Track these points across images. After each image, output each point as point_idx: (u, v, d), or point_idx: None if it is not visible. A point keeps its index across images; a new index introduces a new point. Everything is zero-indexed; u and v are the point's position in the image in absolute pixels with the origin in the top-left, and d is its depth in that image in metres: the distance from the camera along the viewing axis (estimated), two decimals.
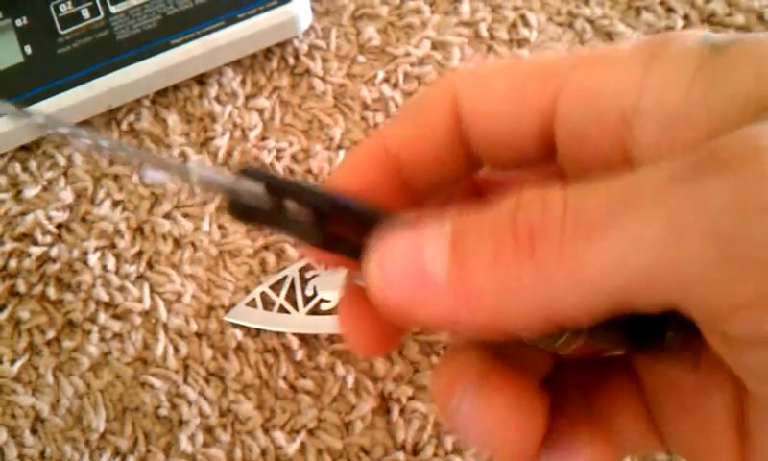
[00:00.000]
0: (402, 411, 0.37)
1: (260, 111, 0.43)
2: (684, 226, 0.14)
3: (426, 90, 0.21)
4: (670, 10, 0.43)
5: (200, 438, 0.37)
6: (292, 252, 0.39)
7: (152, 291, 0.40)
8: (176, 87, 0.43)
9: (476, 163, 0.21)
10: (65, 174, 0.43)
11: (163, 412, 0.37)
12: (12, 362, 0.39)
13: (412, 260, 0.16)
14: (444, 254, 0.16)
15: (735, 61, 0.16)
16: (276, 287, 0.39)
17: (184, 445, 0.37)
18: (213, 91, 0.43)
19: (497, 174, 0.23)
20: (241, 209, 0.19)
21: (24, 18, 0.43)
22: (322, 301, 0.38)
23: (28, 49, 0.43)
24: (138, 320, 0.39)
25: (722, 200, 0.14)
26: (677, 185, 0.14)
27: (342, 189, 0.20)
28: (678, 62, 0.17)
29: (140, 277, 0.40)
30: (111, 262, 0.40)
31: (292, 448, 0.36)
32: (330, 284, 0.38)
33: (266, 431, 0.37)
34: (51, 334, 0.39)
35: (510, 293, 0.15)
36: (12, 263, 0.41)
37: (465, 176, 0.22)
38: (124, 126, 0.43)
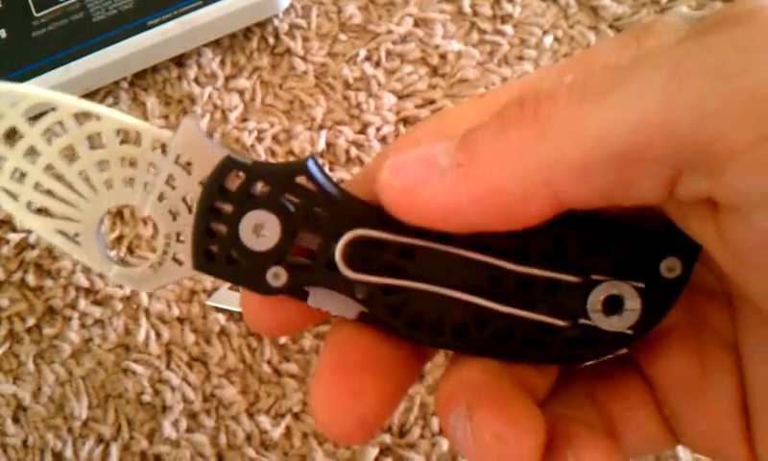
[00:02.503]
0: None
1: (240, 92, 0.42)
2: (686, 69, 0.14)
3: (385, 150, 0.21)
4: None
5: (183, 424, 0.36)
6: None
7: None
8: (154, 69, 0.43)
9: None
10: None
11: (146, 398, 0.37)
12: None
13: (422, 152, 0.17)
14: (453, 145, 0.17)
15: (723, 16, 0.16)
16: None
17: (168, 431, 0.36)
18: (192, 73, 0.42)
19: None
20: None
21: None
22: None
23: (2, 33, 0.42)
24: (119, 305, 0.39)
25: (727, 43, 0.14)
26: (685, 40, 0.14)
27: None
28: (667, 33, 0.17)
29: (121, 261, 0.39)
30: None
31: (277, 433, 0.36)
32: None
33: (250, 416, 0.36)
34: (31, 321, 0.39)
35: (510, 155, 0.16)
36: None
37: None
38: None
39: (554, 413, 0.20)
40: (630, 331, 0.18)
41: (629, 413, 0.21)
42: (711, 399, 0.19)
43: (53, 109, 0.19)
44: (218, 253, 0.19)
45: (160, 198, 0.19)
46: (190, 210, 0.19)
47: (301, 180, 0.19)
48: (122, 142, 0.19)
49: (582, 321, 0.19)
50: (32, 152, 0.20)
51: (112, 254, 0.21)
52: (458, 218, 0.17)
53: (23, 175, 0.20)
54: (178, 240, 0.20)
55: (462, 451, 0.19)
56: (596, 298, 0.18)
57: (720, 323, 0.19)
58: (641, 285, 0.18)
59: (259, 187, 0.19)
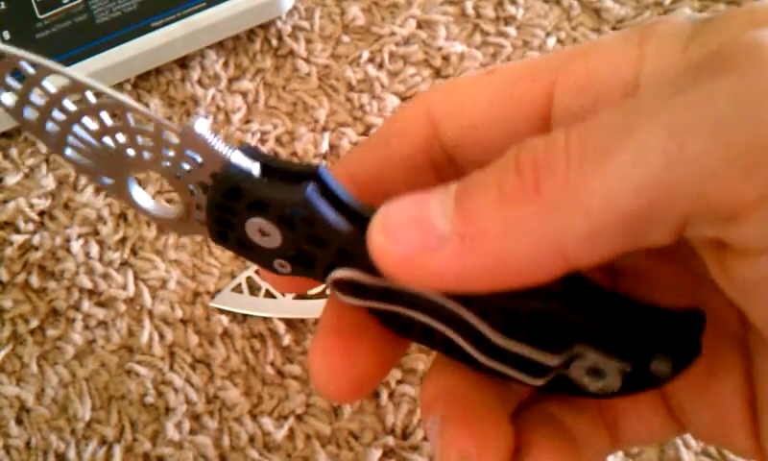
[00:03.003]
0: (391, 395, 0.36)
1: (244, 94, 0.42)
2: (686, 127, 0.14)
3: (394, 117, 0.21)
4: None
5: (187, 425, 0.36)
6: None
7: (136, 278, 0.39)
8: (157, 71, 0.43)
9: (443, 175, 0.21)
10: (47, 160, 0.42)
11: (149, 400, 0.37)
12: None
13: (416, 213, 0.16)
14: (449, 205, 0.16)
15: (726, 20, 0.16)
16: (261, 272, 0.38)
17: (171, 432, 0.36)
18: (195, 74, 0.43)
19: None
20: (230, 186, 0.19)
21: (2, 3, 0.42)
22: None
23: (6, 34, 0.42)
24: (123, 307, 0.39)
25: (725, 95, 0.13)
26: (680, 92, 0.14)
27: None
28: (669, 35, 0.17)
29: (124, 263, 0.39)
30: (95, 249, 0.40)
31: (280, 434, 0.36)
32: None
33: (254, 417, 0.36)
34: (35, 323, 0.39)
35: (517, 229, 0.15)
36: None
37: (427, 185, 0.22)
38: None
39: (541, 411, 0.20)
40: (611, 393, 0.18)
41: (631, 404, 0.21)
42: (718, 392, 0.19)
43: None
44: (230, 236, 0.20)
45: (177, 177, 0.20)
46: (205, 191, 0.19)
47: (306, 195, 0.18)
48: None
49: (562, 373, 0.19)
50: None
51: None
52: (462, 286, 0.16)
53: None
54: (198, 208, 0.20)
55: (437, 453, 0.19)
56: (579, 365, 0.18)
57: (728, 317, 0.19)
58: (627, 369, 0.18)
59: (263, 197, 0.19)
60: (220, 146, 0.19)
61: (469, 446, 0.18)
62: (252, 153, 0.19)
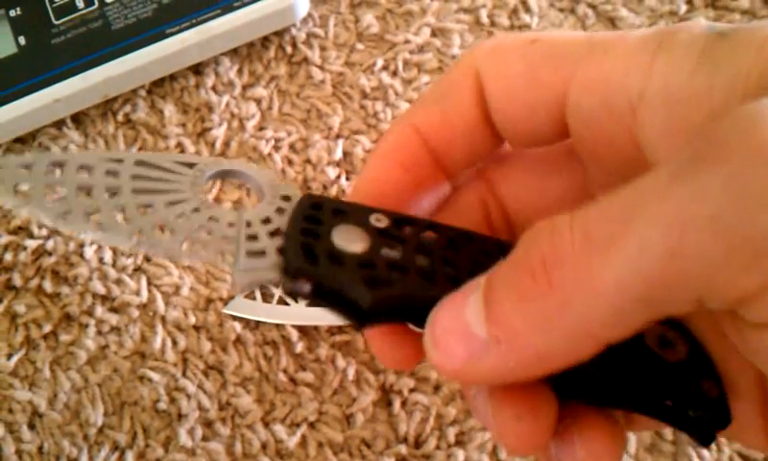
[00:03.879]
0: (404, 403, 0.36)
1: (258, 101, 0.42)
2: (685, 221, 0.14)
3: (449, 71, 0.22)
4: None
5: (199, 432, 0.36)
6: None
7: (149, 284, 0.39)
8: (172, 77, 0.43)
9: (501, 139, 0.22)
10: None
11: (162, 406, 0.37)
12: (9, 357, 0.39)
13: (457, 325, 0.17)
14: (480, 310, 0.17)
15: (738, 44, 0.16)
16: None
17: (184, 439, 0.36)
18: (210, 81, 0.43)
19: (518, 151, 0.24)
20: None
21: (18, 8, 0.42)
22: None
23: (22, 40, 0.42)
24: (136, 313, 0.39)
25: (719, 189, 0.14)
26: (676, 183, 0.14)
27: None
28: (683, 49, 0.17)
29: (137, 269, 0.39)
30: (108, 255, 0.40)
31: (293, 442, 0.36)
32: None
33: (266, 425, 0.36)
34: (48, 328, 0.39)
35: (542, 324, 0.16)
36: (8, 257, 0.40)
37: (494, 148, 0.23)
38: (120, 117, 0.43)
39: None
40: None
41: None
42: (733, 394, 0.19)
43: None
44: (317, 248, 0.20)
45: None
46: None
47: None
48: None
49: None
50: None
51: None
52: (514, 379, 0.17)
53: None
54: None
55: (480, 420, 0.20)
56: None
57: None
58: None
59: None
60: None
61: (522, 406, 0.19)
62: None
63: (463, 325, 0.17)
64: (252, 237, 0.20)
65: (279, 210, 0.21)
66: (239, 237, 0.20)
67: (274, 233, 0.20)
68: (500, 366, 0.17)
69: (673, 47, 0.17)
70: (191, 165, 0.21)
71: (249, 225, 0.20)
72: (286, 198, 0.21)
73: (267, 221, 0.20)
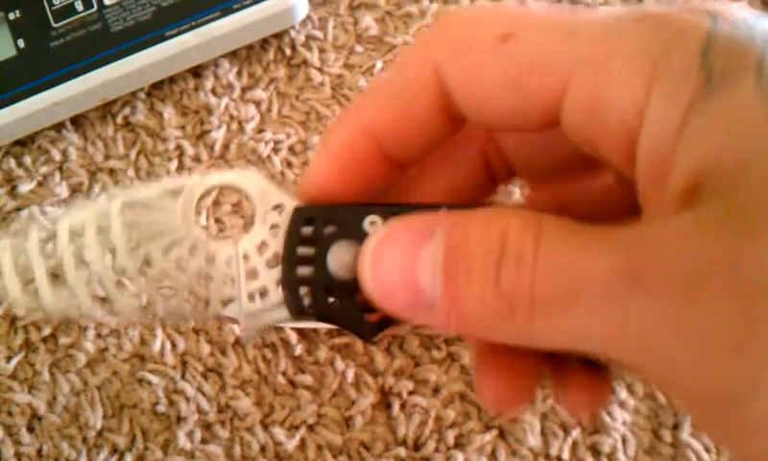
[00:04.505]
0: (403, 406, 0.36)
1: (257, 103, 0.42)
2: (624, 323, 0.15)
3: (402, 66, 0.20)
4: None
5: (198, 435, 0.36)
6: None
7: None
8: (171, 80, 0.43)
9: (460, 124, 0.21)
10: (60, 169, 0.42)
11: (161, 409, 0.37)
12: (8, 359, 0.39)
13: (405, 274, 0.17)
14: (437, 277, 0.17)
15: (718, 117, 0.16)
16: None
17: (183, 441, 0.36)
18: (209, 83, 0.43)
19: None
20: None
21: (17, 11, 0.43)
22: None
23: (21, 42, 0.42)
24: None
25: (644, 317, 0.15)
26: (690, 303, 0.15)
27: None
28: (677, 85, 0.16)
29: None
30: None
31: (291, 445, 0.36)
32: None
33: (265, 427, 0.36)
34: (47, 331, 0.39)
35: (498, 329, 0.17)
36: None
37: (449, 138, 0.22)
38: (119, 119, 0.43)
39: None
40: None
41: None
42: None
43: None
44: (313, 279, 0.20)
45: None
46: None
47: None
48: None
49: None
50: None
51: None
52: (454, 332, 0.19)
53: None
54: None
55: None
56: None
57: None
58: None
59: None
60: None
61: (500, 369, 0.20)
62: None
63: (412, 279, 0.17)
64: (252, 274, 0.20)
65: (274, 228, 0.21)
66: (239, 279, 0.20)
67: (272, 261, 0.20)
68: (441, 323, 0.17)
69: (667, 79, 0.16)
70: (177, 192, 0.21)
71: (246, 258, 0.20)
72: (278, 207, 0.21)
73: (263, 246, 0.21)
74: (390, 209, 0.19)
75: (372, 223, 0.20)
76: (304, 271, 0.20)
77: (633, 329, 0.15)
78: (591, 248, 0.16)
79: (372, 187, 0.21)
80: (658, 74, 0.16)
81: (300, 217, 0.20)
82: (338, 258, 0.19)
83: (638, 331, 0.15)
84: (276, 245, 0.20)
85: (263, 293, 0.20)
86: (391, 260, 0.18)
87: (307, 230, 0.20)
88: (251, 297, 0.20)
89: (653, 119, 0.16)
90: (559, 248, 0.16)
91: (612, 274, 0.15)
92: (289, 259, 0.20)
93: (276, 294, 0.20)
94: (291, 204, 0.21)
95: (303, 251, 0.20)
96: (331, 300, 0.20)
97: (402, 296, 0.17)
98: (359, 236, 0.19)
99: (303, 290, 0.20)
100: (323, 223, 0.20)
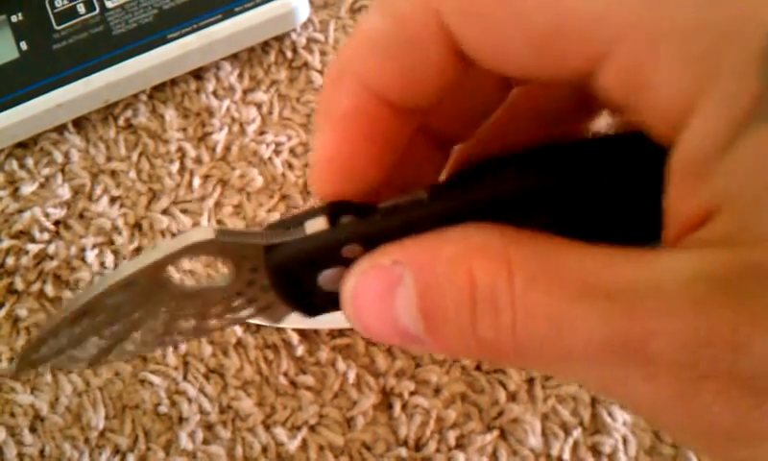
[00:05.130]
0: (404, 406, 0.36)
1: (258, 106, 0.42)
2: (623, 388, 0.15)
3: (398, 18, 0.18)
4: None
5: (200, 435, 0.37)
6: None
7: None
8: (173, 82, 0.43)
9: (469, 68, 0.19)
10: (62, 170, 0.42)
11: (163, 409, 0.37)
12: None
13: (387, 321, 0.17)
14: (414, 314, 0.17)
15: (760, 152, 0.14)
16: None
17: (185, 442, 0.36)
18: (210, 86, 0.43)
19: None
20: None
21: (19, 14, 0.43)
22: None
23: (23, 45, 0.42)
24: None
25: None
26: (611, 358, 0.14)
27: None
28: (725, 100, 0.14)
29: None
30: (110, 259, 0.40)
31: (293, 445, 0.36)
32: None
33: (267, 428, 0.36)
34: None
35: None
36: (10, 261, 0.40)
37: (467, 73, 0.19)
38: (121, 121, 0.43)
39: None
40: None
41: None
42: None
43: None
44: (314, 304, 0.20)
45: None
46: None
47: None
48: None
49: None
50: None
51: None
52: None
53: None
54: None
55: None
56: None
57: None
58: None
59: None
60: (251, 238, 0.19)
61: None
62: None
63: (394, 323, 0.17)
64: (249, 301, 0.20)
65: (251, 283, 0.20)
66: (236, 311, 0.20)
67: (264, 288, 0.20)
68: (435, 351, 0.18)
69: (719, 83, 0.14)
70: (127, 286, 0.19)
71: (239, 294, 0.20)
72: (244, 258, 0.19)
73: (251, 285, 0.20)
74: (363, 231, 0.18)
75: (351, 252, 0.19)
76: (296, 291, 0.20)
77: (633, 396, 0.15)
78: (577, 304, 0.14)
79: (389, 146, 0.19)
80: (710, 73, 0.14)
81: (274, 265, 0.19)
82: (324, 282, 0.19)
83: (640, 400, 0.14)
84: (262, 280, 0.20)
85: (266, 308, 0.21)
86: (370, 309, 0.18)
87: (288, 273, 0.19)
88: (259, 311, 0.21)
89: (697, 129, 0.15)
90: (538, 297, 0.15)
91: (607, 341, 0.14)
92: (282, 292, 0.20)
93: (281, 307, 0.20)
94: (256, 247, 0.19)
95: (292, 283, 0.20)
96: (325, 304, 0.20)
97: (391, 336, 0.17)
98: (341, 261, 0.19)
99: (298, 305, 0.20)
100: (302, 259, 0.19)
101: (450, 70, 0.18)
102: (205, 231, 0.18)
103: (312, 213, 0.19)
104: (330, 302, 0.20)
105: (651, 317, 0.14)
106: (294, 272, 0.19)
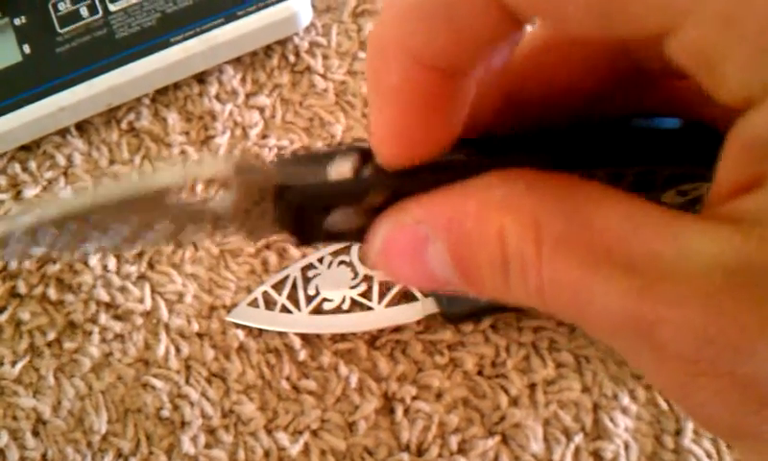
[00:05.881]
0: (406, 411, 0.36)
1: (261, 109, 0.42)
2: (636, 356, 0.15)
3: None
4: None
5: (202, 439, 0.37)
6: (294, 251, 0.39)
7: (153, 291, 0.39)
8: (176, 86, 0.43)
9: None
10: (65, 174, 0.42)
11: (165, 413, 0.37)
12: (13, 364, 0.39)
13: (420, 274, 0.18)
14: (449, 268, 0.17)
15: None
16: (278, 287, 0.38)
17: (187, 446, 0.36)
18: (213, 89, 0.43)
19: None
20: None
21: (22, 17, 0.43)
22: (324, 300, 0.38)
23: (26, 48, 0.42)
24: (140, 320, 0.39)
25: None
26: (625, 332, 0.15)
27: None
28: None
29: (141, 277, 0.40)
30: (112, 263, 0.40)
31: (295, 450, 0.36)
32: (332, 283, 0.38)
33: (269, 432, 0.37)
34: (52, 335, 0.39)
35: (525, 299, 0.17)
36: (13, 264, 0.40)
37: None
38: (124, 125, 0.43)
39: None
40: None
41: None
42: None
43: None
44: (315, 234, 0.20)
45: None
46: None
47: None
48: None
49: None
50: None
51: None
52: None
53: None
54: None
55: None
56: None
57: None
58: None
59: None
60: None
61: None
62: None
63: (428, 275, 0.17)
64: (240, 224, 0.20)
65: (249, 210, 0.19)
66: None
67: (262, 215, 0.20)
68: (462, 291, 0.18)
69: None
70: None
71: (233, 218, 0.19)
72: (253, 190, 0.19)
73: (248, 212, 0.19)
74: (388, 184, 0.18)
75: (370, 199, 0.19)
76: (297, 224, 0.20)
77: (646, 371, 0.15)
78: (597, 274, 0.15)
79: (450, 109, 0.18)
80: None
81: (287, 199, 0.19)
82: (333, 220, 0.19)
83: (651, 377, 0.15)
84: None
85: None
86: (402, 264, 0.18)
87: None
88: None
89: (756, 124, 0.14)
90: (563, 267, 0.15)
91: (622, 318, 0.14)
92: (283, 224, 0.19)
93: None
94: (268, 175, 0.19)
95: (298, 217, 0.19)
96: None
97: (426, 285, 0.18)
98: (357, 205, 0.19)
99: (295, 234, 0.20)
100: (318, 203, 0.19)
101: (498, 27, 0.17)
102: (224, 165, 0.18)
103: (334, 155, 0.18)
104: (331, 237, 0.20)
105: (662, 303, 0.14)
106: (304, 210, 0.19)
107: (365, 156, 0.18)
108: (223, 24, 0.41)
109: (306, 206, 0.19)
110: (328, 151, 0.19)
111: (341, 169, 0.18)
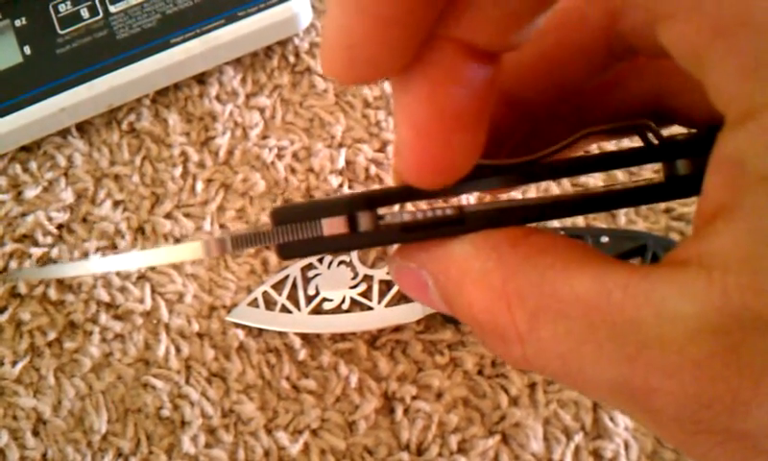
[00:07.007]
0: (406, 411, 0.36)
1: (261, 110, 0.42)
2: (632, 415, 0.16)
3: (564, 6, 0.17)
4: None
5: (202, 439, 0.37)
6: None
7: (153, 291, 0.39)
8: (176, 87, 0.43)
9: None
10: (66, 174, 0.42)
11: (165, 413, 0.37)
12: (14, 364, 0.39)
13: (423, 298, 0.19)
14: (445, 308, 0.19)
15: None
16: (277, 287, 0.38)
17: (187, 446, 0.36)
18: (214, 90, 0.43)
19: None
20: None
21: (23, 18, 0.43)
22: (324, 300, 0.38)
23: (27, 49, 0.42)
24: (140, 320, 0.39)
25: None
26: (619, 398, 0.15)
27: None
28: None
29: (141, 277, 0.40)
30: None
31: (295, 449, 0.36)
32: (332, 283, 0.38)
33: (269, 432, 0.37)
34: (52, 335, 0.39)
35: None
36: (13, 264, 0.40)
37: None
38: (124, 126, 0.43)
39: None
40: None
41: None
42: None
43: None
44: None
45: None
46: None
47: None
48: None
49: None
50: None
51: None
52: None
53: None
54: None
55: None
56: None
57: None
58: None
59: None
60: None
61: None
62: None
63: (429, 300, 0.19)
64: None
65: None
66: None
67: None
68: None
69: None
70: None
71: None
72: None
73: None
74: (382, 240, 0.19)
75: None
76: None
77: (645, 426, 0.16)
78: (585, 345, 0.15)
79: (478, 127, 0.17)
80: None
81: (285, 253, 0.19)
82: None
83: (651, 431, 0.15)
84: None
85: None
86: (410, 292, 0.20)
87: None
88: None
89: (753, 133, 0.13)
90: (545, 336, 0.15)
91: (615, 385, 0.14)
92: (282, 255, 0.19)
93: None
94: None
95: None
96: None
97: (435, 308, 0.19)
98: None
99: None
100: (315, 252, 0.19)
101: (599, 62, 0.18)
102: (214, 247, 0.19)
103: (328, 208, 0.18)
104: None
105: (654, 373, 0.14)
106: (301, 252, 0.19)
107: (357, 202, 0.18)
108: (223, 25, 0.41)
109: (304, 253, 0.19)
110: (324, 200, 0.19)
111: (334, 224, 0.18)
